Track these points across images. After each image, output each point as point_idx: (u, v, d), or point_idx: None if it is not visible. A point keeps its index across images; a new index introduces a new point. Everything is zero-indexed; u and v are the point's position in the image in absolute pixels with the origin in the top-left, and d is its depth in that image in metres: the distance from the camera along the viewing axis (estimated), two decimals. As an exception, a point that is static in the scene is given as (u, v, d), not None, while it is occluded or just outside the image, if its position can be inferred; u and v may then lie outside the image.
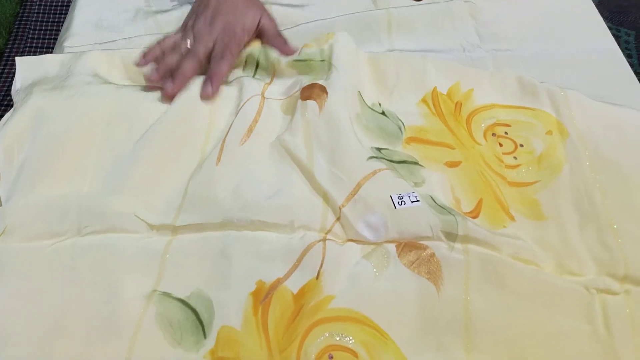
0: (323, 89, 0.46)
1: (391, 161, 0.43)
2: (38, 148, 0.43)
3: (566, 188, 0.43)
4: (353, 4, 0.58)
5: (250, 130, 0.45)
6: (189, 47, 0.50)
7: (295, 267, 0.39)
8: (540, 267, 0.39)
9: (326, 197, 0.42)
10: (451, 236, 0.39)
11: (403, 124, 0.47)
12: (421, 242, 0.40)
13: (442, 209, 0.40)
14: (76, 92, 0.46)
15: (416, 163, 0.44)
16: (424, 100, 0.49)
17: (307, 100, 0.45)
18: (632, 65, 0.60)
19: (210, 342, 0.36)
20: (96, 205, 0.41)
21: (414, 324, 0.37)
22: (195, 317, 0.37)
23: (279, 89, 0.49)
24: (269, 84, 0.49)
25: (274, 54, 0.50)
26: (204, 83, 0.48)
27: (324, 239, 0.40)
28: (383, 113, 0.47)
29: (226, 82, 0.49)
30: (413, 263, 0.39)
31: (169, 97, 0.47)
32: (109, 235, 0.40)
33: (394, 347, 0.36)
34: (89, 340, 0.36)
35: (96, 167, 0.43)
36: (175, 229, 0.41)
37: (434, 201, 0.41)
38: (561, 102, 0.48)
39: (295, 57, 0.49)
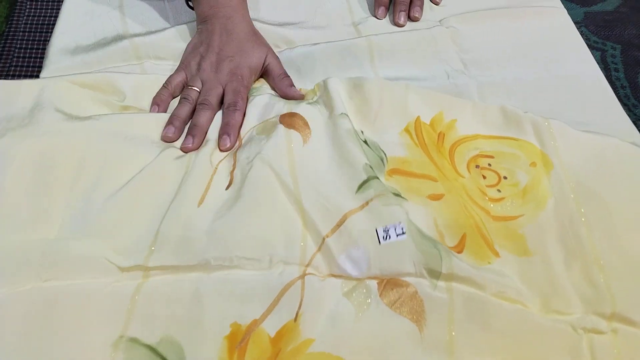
0: (305, 123, 0.45)
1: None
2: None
3: (551, 222, 0.43)
4: (335, 27, 0.58)
5: (232, 171, 0.44)
6: (199, 94, 0.49)
7: (272, 307, 0.38)
8: (526, 307, 0.39)
9: (308, 226, 0.41)
10: (434, 273, 0.39)
11: (385, 155, 0.46)
12: (404, 278, 0.39)
13: (428, 241, 0.40)
14: (44, 131, 0.44)
15: (399, 195, 0.43)
16: (406, 130, 0.48)
17: (291, 130, 0.44)
18: (618, 79, 0.60)
19: None
20: (63, 250, 0.39)
21: None
22: None
23: (252, 110, 0.48)
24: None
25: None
26: (222, 137, 0.47)
27: (303, 275, 0.39)
28: (365, 142, 0.46)
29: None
30: (395, 302, 0.38)
31: (188, 152, 0.46)
32: (75, 282, 0.38)
33: None
34: None
35: (65, 211, 0.41)
36: (146, 270, 0.39)
37: (419, 232, 0.40)
38: (545, 132, 0.47)
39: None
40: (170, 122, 0.48)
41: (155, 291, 0.38)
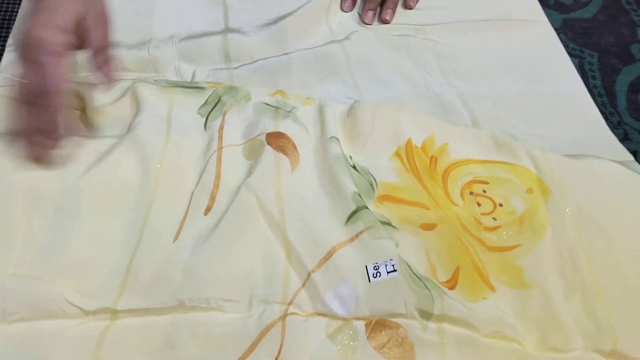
0: (294, 146, 0.43)
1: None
2: None
3: (549, 252, 0.41)
4: (310, 31, 0.57)
5: (215, 191, 0.41)
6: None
7: (250, 352, 0.35)
8: (521, 345, 0.37)
9: (292, 260, 0.39)
10: (426, 314, 0.37)
11: (375, 180, 0.44)
12: (394, 319, 0.37)
13: (419, 280, 0.38)
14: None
15: (389, 224, 0.41)
16: (397, 154, 0.46)
17: (279, 154, 0.42)
18: (595, 87, 0.60)
19: None
20: (23, 289, 0.36)
21: None
22: None
23: (234, 130, 0.46)
24: (222, 127, 0.45)
25: (245, 92, 0.48)
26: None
27: (285, 315, 0.36)
28: (354, 167, 0.44)
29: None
30: (384, 346, 0.36)
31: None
32: (37, 323, 0.35)
33: None
34: None
35: (24, 244, 0.38)
36: (114, 313, 0.36)
37: (410, 269, 0.38)
38: (541, 159, 0.46)
39: (264, 100, 0.47)
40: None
41: (123, 335, 0.36)
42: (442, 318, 0.36)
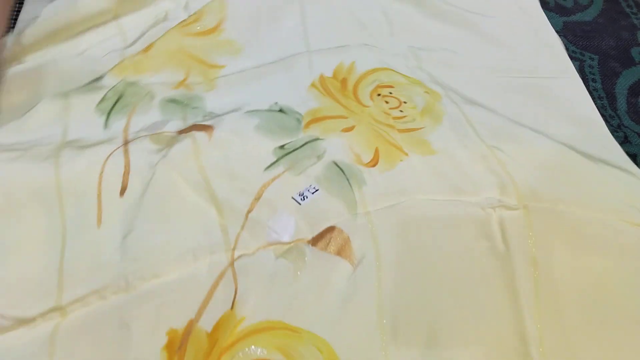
0: (207, 126, 0.45)
1: (295, 150, 0.44)
2: None
3: (449, 130, 0.46)
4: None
5: (126, 173, 0.41)
6: None
7: (206, 302, 0.36)
8: (434, 198, 0.40)
9: (225, 213, 0.40)
10: (351, 206, 0.40)
11: (300, 114, 0.47)
12: (328, 224, 0.39)
13: (342, 175, 0.42)
14: None
15: (317, 139, 0.45)
16: (313, 85, 0.50)
17: (192, 132, 0.44)
18: (595, 90, 0.60)
19: None
20: None
21: (331, 307, 0.37)
22: None
23: (140, 129, 0.45)
24: (127, 129, 0.45)
25: (147, 89, 0.48)
26: None
27: (232, 262, 0.37)
28: (281, 110, 0.47)
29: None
30: (327, 246, 0.38)
31: None
32: None
33: (310, 336, 0.36)
34: None
35: None
36: (62, 311, 0.36)
37: (337, 165, 0.42)
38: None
39: (173, 95, 0.48)
40: None
41: (75, 328, 0.36)
42: (364, 203, 0.40)
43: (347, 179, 0.42)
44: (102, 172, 0.41)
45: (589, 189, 0.42)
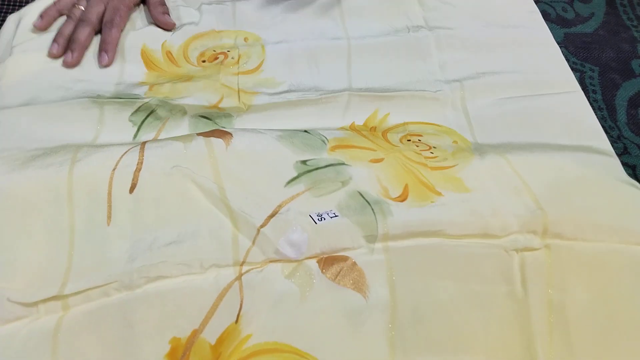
0: (226, 132, 0.44)
1: (317, 168, 0.43)
2: None
3: (481, 168, 0.45)
4: None
5: (138, 170, 0.41)
6: (82, 12, 0.53)
7: (211, 314, 0.35)
8: (464, 238, 0.40)
9: (239, 224, 0.39)
10: (371, 238, 0.39)
11: (326, 138, 0.47)
12: (342, 253, 0.39)
13: (367, 205, 0.40)
14: None
15: (342, 163, 0.44)
16: (342, 128, 0.50)
17: (211, 138, 0.43)
18: (596, 101, 0.60)
19: None
20: None
21: (340, 334, 0.36)
22: None
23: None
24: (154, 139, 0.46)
25: (177, 104, 0.49)
26: (100, 54, 0.52)
27: (240, 276, 0.37)
28: (305, 131, 0.47)
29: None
30: (337, 275, 0.38)
31: (70, 66, 0.51)
32: None
33: None
34: None
35: None
36: (65, 302, 0.36)
37: (362, 196, 0.41)
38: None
39: (204, 113, 0.48)
40: (54, 39, 0.52)
41: (78, 323, 0.36)
42: (386, 237, 0.39)
43: (372, 208, 0.40)
44: (114, 169, 0.41)
45: (609, 212, 0.42)
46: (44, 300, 0.36)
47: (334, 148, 0.45)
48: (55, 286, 0.36)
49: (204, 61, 0.55)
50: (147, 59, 0.55)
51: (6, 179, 0.40)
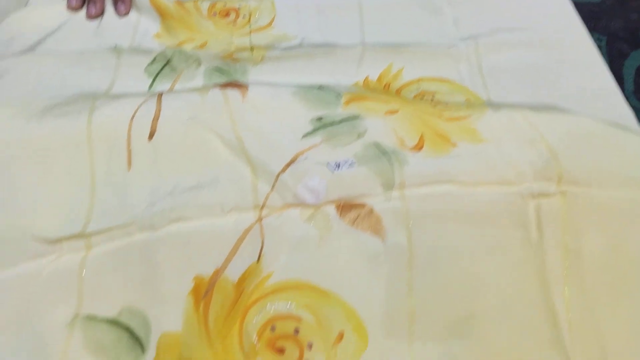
0: (241, 84, 0.45)
1: (333, 123, 0.44)
2: None
3: (495, 120, 0.45)
4: None
5: (156, 119, 0.42)
6: None
7: (232, 254, 0.37)
8: (479, 186, 0.40)
9: (258, 172, 0.40)
10: (388, 186, 0.40)
11: (340, 93, 0.47)
12: (359, 201, 0.39)
13: (383, 154, 0.41)
14: None
15: (357, 117, 0.45)
16: (356, 84, 0.50)
17: (227, 89, 0.44)
18: (603, 71, 0.60)
19: (150, 355, 0.34)
20: None
21: (359, 275, 0.37)
22: (130, 336, 0.35)
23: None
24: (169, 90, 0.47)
25: (195, 57, 0.50)
26: (116, 4, 0.54)
27: (260, 219, 0.38)
28: (320, 88, 0.47)
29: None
30: (355, 220, 0.39)
31: (94, 17, 0.53)
32: (15, 268, 0.36)
33: (338, 301, 0.36)
34: None
35: None
36: (87, 241, 0.37)
37: (378, 147, 0.42)
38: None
39: (219, 64, 0.49)
40: None
41: (101, 262, 0.37)
42: (403, 185, 0.39)
43: (389, 158, 0.41)
44: (133, 117, 0.41)
45: (624, 162, 0.43)
46: (68, 238, 0.38)
47: (348, 101, 0.46)
48: (78, 225, 0.38)
49: (214, 14, 0.56)
50: (158, 7, 0.56)
51: (26, 128, 0.41)
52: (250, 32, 0.55)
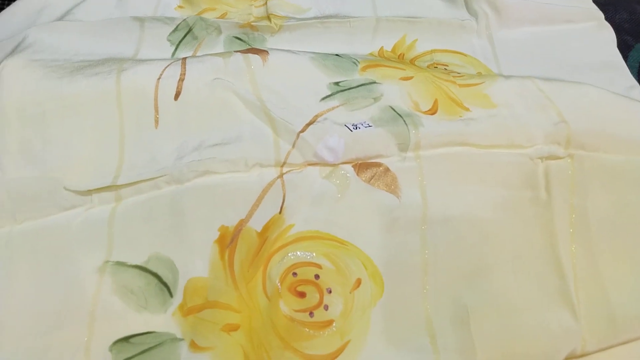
0: (262, 50, 0.47)
1: (350, 88, 0.46)
2: None
3: (506, 85, 0.47)
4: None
5: (181, 80, 0.44)
6: None
7: (256, 206, 0.39)
8: (491, 148, 0.42)
9: (279, 131, 0.42)
10: (403, 147, 0.42)
11: (357, 60, 0.49)
12: (375, 160, 0.42)
13: (399, 117, 0.43)
14: None
15: (374, 82, 0.46)
16: (371, 54, 0.53)
17: (248, 54, 0.46)
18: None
19: (178, 299, 0.37)
20: (24, 189, 0.39)
21: (375, 228, 0.39)
22: (158, 281, 0.37)
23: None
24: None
25: (215, 25, 0.52)
26: None
27: (281, 175, 0.41)
28: (337, 55, 0.49)
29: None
30: (371, 178, 0.41)
31: None
32: (46, 219, 0.39)
33: (356, 250, 0.38)
34: (39, 332, 0.36)
35: (11, 146, 0.41)
36: (117, 193, 0.40)
37: (393, 110, 0.44)
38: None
39: (238, 33, 0.52)
40: None
41: (131, 213, 0.39)
42: (418, 146, 0.41)
43: (404, 119, 0.43)
44: (159, 78, 0.43)
45: (630, 128, 0.44)
46: (98, 190, 0.39)
47: (365, 68, 0.48)
48: (108, 177, 0.40)
49: None
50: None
51: (57, 86, 0.43)
52: (267, 1, 0.56)
